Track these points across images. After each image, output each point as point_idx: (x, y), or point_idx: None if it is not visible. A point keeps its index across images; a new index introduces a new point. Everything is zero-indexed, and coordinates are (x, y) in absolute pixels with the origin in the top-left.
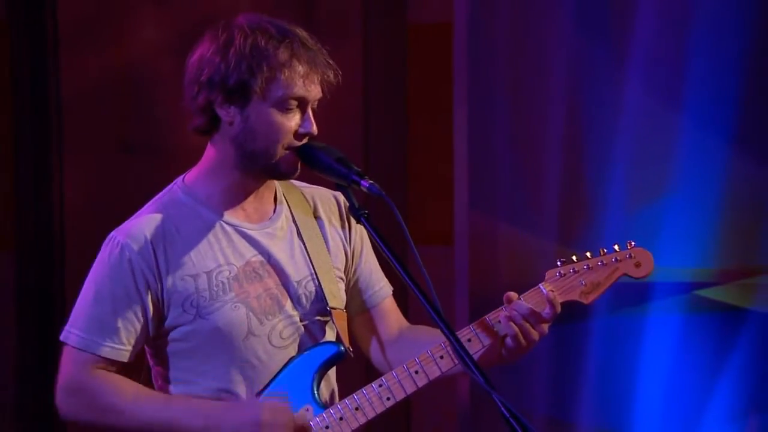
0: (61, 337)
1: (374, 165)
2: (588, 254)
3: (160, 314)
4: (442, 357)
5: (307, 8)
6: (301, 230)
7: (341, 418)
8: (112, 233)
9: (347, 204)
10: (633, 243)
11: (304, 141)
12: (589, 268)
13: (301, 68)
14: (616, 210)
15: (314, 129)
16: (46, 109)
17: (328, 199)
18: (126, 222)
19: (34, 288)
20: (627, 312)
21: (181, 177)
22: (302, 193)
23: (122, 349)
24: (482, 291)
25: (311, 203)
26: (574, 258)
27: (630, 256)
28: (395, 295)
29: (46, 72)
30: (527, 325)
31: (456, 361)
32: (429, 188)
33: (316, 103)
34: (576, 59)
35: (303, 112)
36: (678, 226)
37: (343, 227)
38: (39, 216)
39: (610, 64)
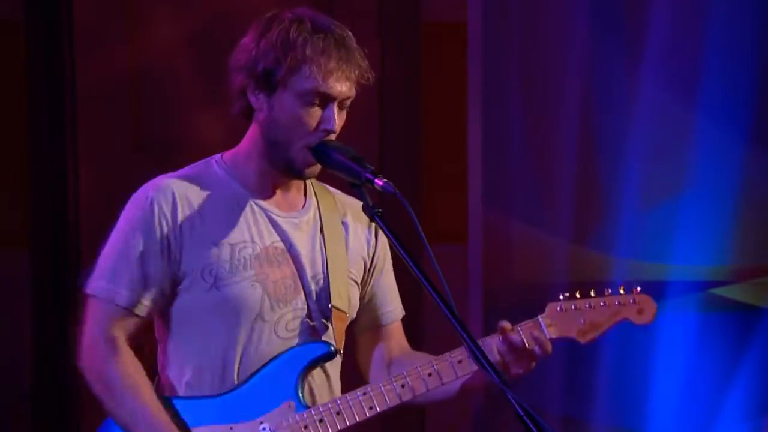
0: (84, 288)
1: (388, 164)
2: (592, 293)
3: (176, 275)
4: (430, 375)
5: (322, 8)
6: (324, 227)
7: (321, 420)
8: (144, 187)
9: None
10: (639, 289)
11: (323, 138)
12: (590, 307)
13: (327, 64)
14: (630, 208)
15: (335, 127)
16: (62, 107)
17: (359, 211)
18: (158, 177)
19: (50, 286)
20: None
21: (220, 154)
22: (335, 198)
23: (141, 303)
24: (496, 289)
25: (341, 209)
26: (577, 294)
27: (633, 302)
28: (409, 297)
29: (61, 70)
30: (513, 358)
31: (442, 381)
32: (443, 187)
33: (347, 102)
34: (590, 56)
35: (326, 108)
36: (693, 223)
37: (368, 239)
38: (54, 214)
39: (625, 62)
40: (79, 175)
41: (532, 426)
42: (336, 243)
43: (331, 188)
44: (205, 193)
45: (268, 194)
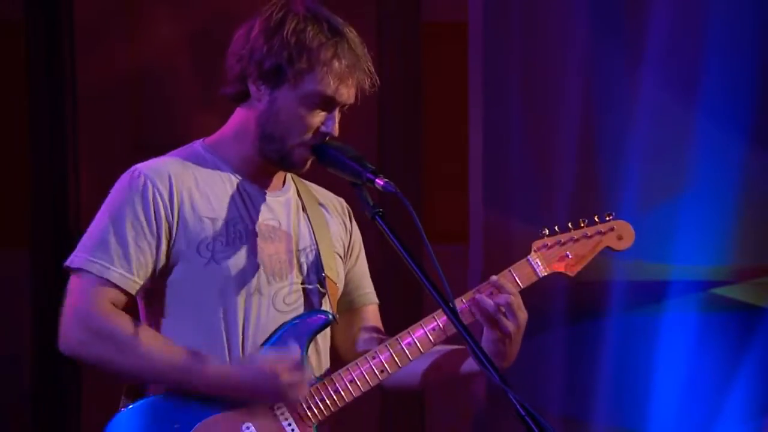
0: (68, 262)
1: (389, 163)
2: (570, 225)
3: (171, 252)
4: (433, 329)
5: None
6: (306, 206)
7: (336, 391)
8: (133, 167)
9: (351, 211)
10: (613, 215)
11: (321, 140)
12: (573, 240)
13: (338, 70)
14: (630, 208)
15: (335, 130)
16: (62, 107)
17: (332, 198)
18: (148, 160)
19: (50, 286)
20: (642, 310)
21: (201, 139)
22: (308, 186)
23: (132, 279)
24: None
25: (316, 196)
26: (556, 229)
27: (612, 229)
28: (410, 297)
29: (61, 70)
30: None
31: (446, 332)
32: (443, 187)
33: (346, 107)
34: (590, 57)
35: (329, 111)
36: (693, 223)
37: (344, 226)
38: (55, 214)
39: (625, 62)
40: (79, 175)
41: (533, 426)
42: (319, 220)
43: (304, 180)
44: (196, 173)
45: (253, 175)
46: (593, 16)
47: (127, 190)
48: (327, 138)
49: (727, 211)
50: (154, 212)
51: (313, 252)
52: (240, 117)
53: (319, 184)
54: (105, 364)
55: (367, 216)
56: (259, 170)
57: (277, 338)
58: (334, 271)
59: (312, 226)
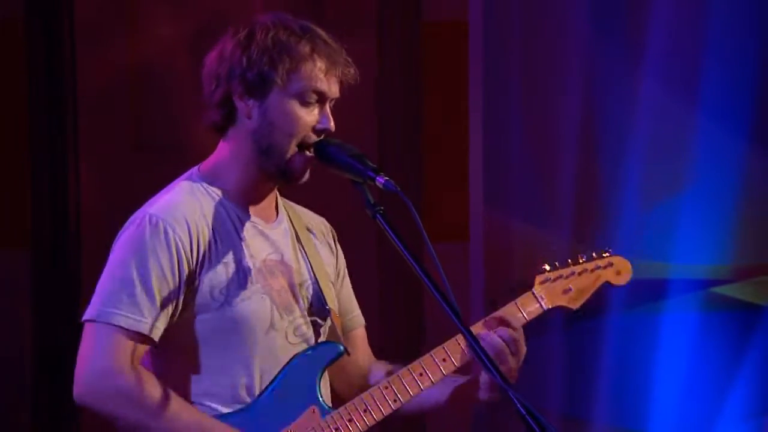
0: (92, 316)
1: (389, 162)
2: (569, 261)
3: (189, 298)
4: (444, 360)
5: (321, 7)
6: (299, 236)
7: (350, 420)
8: (145, 211)
9: (334, 232)
10: (610, 251)
11: (321, 137)
12: (574, 274)
13: (321, 63)
14: (631, 206)
15: (332, 125)
16: (62, 107)
17: (318, 221)
18: (154, 202)
19: (50, 286)
20: (643, 309)
21: (195, 168)
22: (295, 210)
23: (159, 329)
24: (497, 288)
25: (304, 220)
26: (557, 264)
27: (610, 264)
28: (410, 296)
29: (62, 70)
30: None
31: (457, 364)
32: (444, 185)
33: (333, 102)
34: (591, 55)
35: (321, 107)
36: (694, 222)
37: (331, 249)
38: (55, 214)
39: (625, 60)
40: (79, 175)
41: (533, 425)
42: (312, 250)
43: (288, 201)
44: (204, 213)
45: (251, 205)
46: (593, 16)
47: (148, 239)
48: (325, 134)
49: (727, 210)
50: (177, 261)
51: (313, 284)
52: (228, 146)
53: (319, 185)
54: (120, 422)
55: (368, 214)
56: (257, 197)
57: (286, 376)
58: (334, 303)
59: (308, 258)
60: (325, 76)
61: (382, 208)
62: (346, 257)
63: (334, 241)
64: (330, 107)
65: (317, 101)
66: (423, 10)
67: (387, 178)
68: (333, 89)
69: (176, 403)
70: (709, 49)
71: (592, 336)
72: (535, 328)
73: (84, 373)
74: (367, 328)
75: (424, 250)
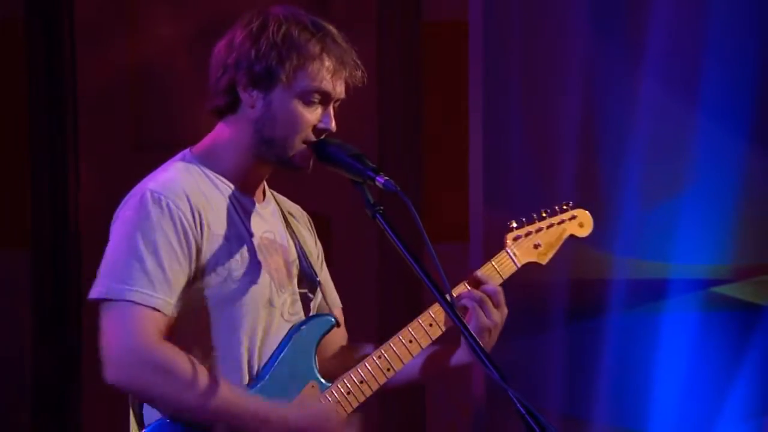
0: (101, 294)
1: (389, 162)
2: (534, 216)
3: (192, 273)
4: (431, 325)
5: (321, 5)
6: (285, 216)
7: (349, 393)
8: (145, 188)
9: (311, 220)
10: (571, 203)
11: (322, 137)
12: (542, 230)
13: (329, 64)
14: (631, 206)
15: (333, 126)
16: (62, 107)
17: (296, 208)
18: (152, 179)
19: (50, 286)
20: (643, 309)
21: (187, 150)
22: (275, 195)
23: (172, 304)
24: None
25: (284, 205)
26: (523, 220)
27: (573, 217)
28: (411, 295)
29: (62, 70)
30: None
31: (442, 328)
32: (444, 185)
33: (338, 102)
34: (591, 55)
35: (324, 108)
36: (694, 222)
37: (311, 232)
38: (55, 214)
39: (625, 60)
40: (79, 175)
41: (533, 424)
42: (297, 229)
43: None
44: (202, 190)
45: (245, 186)
46: (593, 16)
47: (153, 214)
48: (325, 135)
49: (727, 209)
50: (183, 234)
51: (304, 261)
52: (228, 129)
53: (319, 185)
54: (160, 398)
55: (368, 214)
56: (252, 180)
57: (283, 353)
58: (321, 278)
59: (296, 236)
60: (331, 77)
61: (381, 208)
62: (346, 257)
63: (314, 229)
64: (335, 107)
65: (321, 101)
66: (423, 10)
67: (387, 177)
68: (338, 90)
69: (209, 376)
70: (709, 49)
71: (592, 336)
72: (535, 327)
73: (115, 355)
74: (367, 326)
75: (424, 250)
